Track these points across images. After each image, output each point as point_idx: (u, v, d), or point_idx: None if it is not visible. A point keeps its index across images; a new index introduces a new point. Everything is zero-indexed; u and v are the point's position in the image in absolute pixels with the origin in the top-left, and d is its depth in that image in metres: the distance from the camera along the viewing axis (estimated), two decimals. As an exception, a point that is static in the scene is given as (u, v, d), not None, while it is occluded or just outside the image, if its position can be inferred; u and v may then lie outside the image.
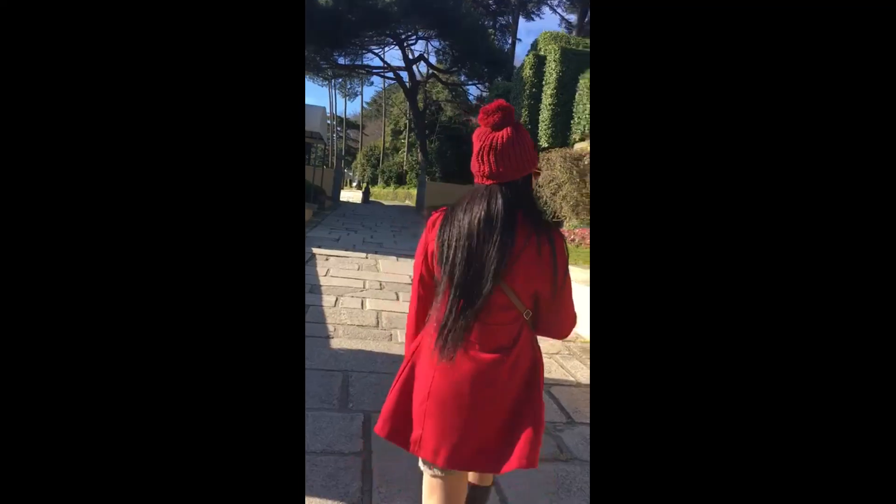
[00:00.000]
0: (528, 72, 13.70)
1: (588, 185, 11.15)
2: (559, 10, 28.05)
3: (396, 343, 4.03)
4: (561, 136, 12.45)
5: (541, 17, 40.67)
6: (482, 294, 1.17)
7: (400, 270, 7.01)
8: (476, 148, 1.23)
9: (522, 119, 13.70)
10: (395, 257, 8.13)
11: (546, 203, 11.93)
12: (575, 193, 11.04)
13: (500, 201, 1.18)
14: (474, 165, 1.23)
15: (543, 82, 13.08)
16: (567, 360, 4.01)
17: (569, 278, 1.25)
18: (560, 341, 4.16)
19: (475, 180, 1.25)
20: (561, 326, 1.32)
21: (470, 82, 28.20)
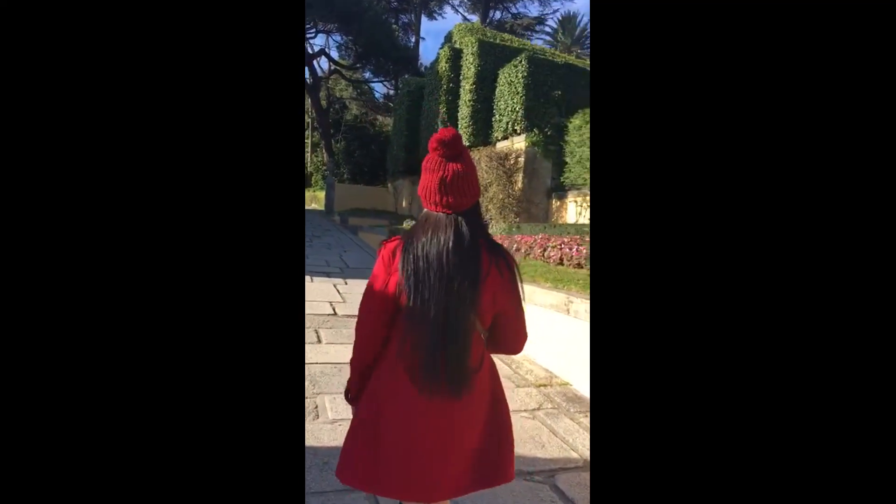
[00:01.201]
0: (443, 65, 12.84)
1: (515, 185, 10.51)
2: (461, 10, 27.80)
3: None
4: (483, 134, 11.71)
5: (443, 17, 40.46)
6: (464, 325, 1.18)
7: (318, 297, 5.69)
8: (432, 177, 1.21)
9: (441, 116, 12.81)
10: (308, 277, 6.77)
11: (470, 206, 11.16)
12: (501, 195, 10.37)
13: (465, 230, 1.20)
14: (430, 195, 1.22)
15: (461, 77, 12.28)
16: (555, 419, 3.08)
17: (521, 299, 1.26)
18: (537, 391, 3.54)
19: (428, 207, 1.24)
20: (517, 341, 1.33)
21: (376, 79, 27.10)
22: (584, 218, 9.26)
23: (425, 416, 1.20)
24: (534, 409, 3.17)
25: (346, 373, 1.42)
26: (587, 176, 9.30)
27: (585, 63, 11.79)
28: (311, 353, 3.88)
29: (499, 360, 3.87)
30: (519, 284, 1.25)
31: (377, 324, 1.25)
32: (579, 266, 5.00)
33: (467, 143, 11.91)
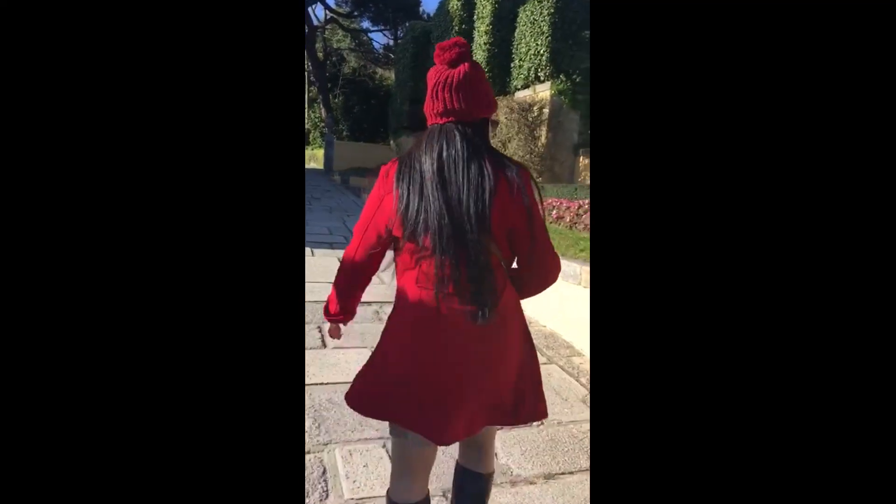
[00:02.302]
0: (454, 4, 11.38)
1: (539, 139, 9.33)
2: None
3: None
4: (500, 82, 10.40)
5: (445, -39, 37.84)
6: (473, 243, 1.03)
7: (320, 276, 4.55)
8: (430, 85, 1.12)
9: (452, 62, 11.46)
10: (308, 250, 5.73)
11: (486, 164, 10.02)
12: (521, 152, 9.21)
13: (458, 138, 1.08)
14: (428, 105, 1.13)
15: (475, 17, 10.86)
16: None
17: (541, 218, 1.13)
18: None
19: (428, 122, 1.14)
20: (543, 268, 1.18)
21: (375, 28, 25.29)
22: (620, 177, 8.13)
23: (447, 345, 1.10)
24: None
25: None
26: (622, 129, 8.10)
27: None
28: (313, 365, 2.85)
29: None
30: (537, 201, 1.10)
31: (363, 244, 1.16)
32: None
33: (482, 94, 10.64)
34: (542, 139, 9.26)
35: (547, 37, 9.15)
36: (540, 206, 1.11)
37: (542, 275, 1.18)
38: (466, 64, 1.10)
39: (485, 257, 1.05)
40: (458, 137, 1.07)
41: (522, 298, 1.21)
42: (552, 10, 9.07)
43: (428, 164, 1.06)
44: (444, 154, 1.06)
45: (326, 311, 1.27)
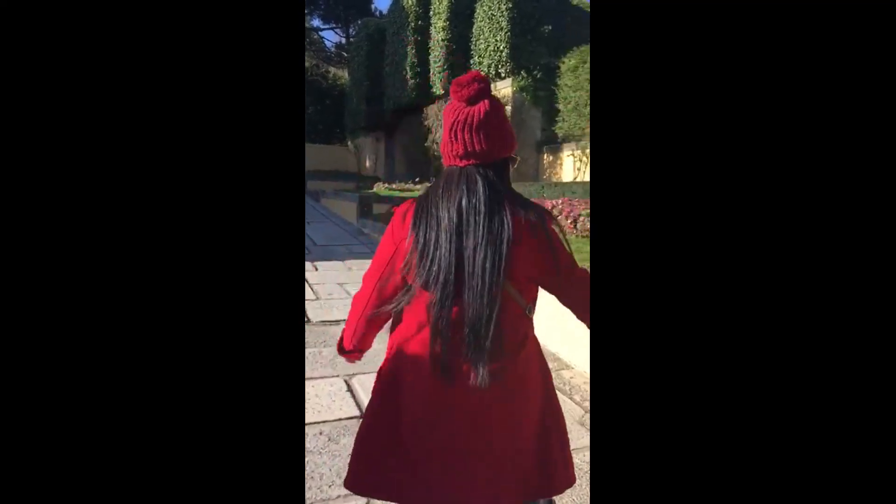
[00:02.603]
0: (409, 0, 11.06)
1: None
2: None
3: None
4: (459, 80, 10.17)
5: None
6: (486, 297, 0.96)
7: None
8: (447, 124, 1.03)
9: (410, 60, 11.14)
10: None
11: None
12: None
13: (480, 184, 1.00)
14: (446, 145, 1.04)
15: (431, 13, 10.59)
16: None
17: (567, 254, 1.07)
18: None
19: (445, 162, 1.06)
20: (584, 309, 1.07)
21: (326, 27, 24.69)
22: (584, 175, 8.06)
23: (454, 409, 1.01)
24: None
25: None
26: (585, 126, 8.07)
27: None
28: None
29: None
30: (563, 243, 1.05)
31: (380, 295, 1.07)
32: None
33: (440, 92, 10.38)
34: (506, 137, 9.11)
35: (506, 32, 8.98)
36: (565, 244, 1.06)
37: (580, 303, 1.09)
38: (486, 101, 1.01)
39: (491, 311, 0.97)
40: (479, 183, 1.00)
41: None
42: (510, 5, 8.90)
43: (446, 212, 0.99)
44: (465, 203, 0.99)
45: (340, 347, 1.20)
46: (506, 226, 0.97)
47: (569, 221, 4.04)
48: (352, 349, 1.17)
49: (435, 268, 0.98)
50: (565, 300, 1.10)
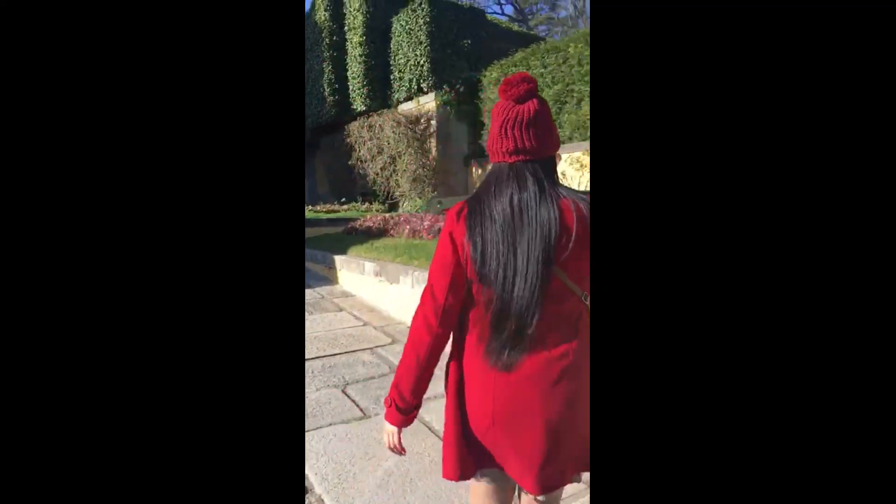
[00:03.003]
0: (322, 15, 10.70)
1: (429, 153, 8.98)
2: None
3: None
4: (381, 96, 9.92)
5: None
6: (534, 284, 1.01)
7: None
8: (497, 122, 1.06)
9: (327, 76, 10.74)
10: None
11: (375, 182, 9.48)
12: (413, 166, 8.81)
13: (531, 180, 1.04)
14: (495, 142, 1.06)
15: (346, 28, 10.29)
16: None
17: None
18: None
19: (494, 159, 1.09)
20: None
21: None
22: (515, 185, 8.07)
23: (515, 393, 1.06)
24: None
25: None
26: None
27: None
28: None
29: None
30: None
31: (444, 292, 1.07)
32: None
33: (363, 108, 10.09)
34: (433, 152, 8.94)
35: (425, 46, 8.87)
36: None
37: None
38: (535, 100, 1.06)
39: (537, 301, 1.02)
40: (529, 179, 1.05)
41: None
42: (427, 20, 8.82)
43: (499, 208, 1.04)
44: (517, 198, 1.04)
45: (398, 409, 1.14)
46: (554, 219, 1.01)
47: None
48: (413, 398, 1.13)
49: (493, 263, 1.02)
50: None
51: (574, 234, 1.01)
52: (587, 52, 6.81)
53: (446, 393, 1.14)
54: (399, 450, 1.17)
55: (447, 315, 1.07)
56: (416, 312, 1.10)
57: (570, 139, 7.19)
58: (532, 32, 13.99)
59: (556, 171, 1.09)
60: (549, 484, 1.08)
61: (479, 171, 8.87)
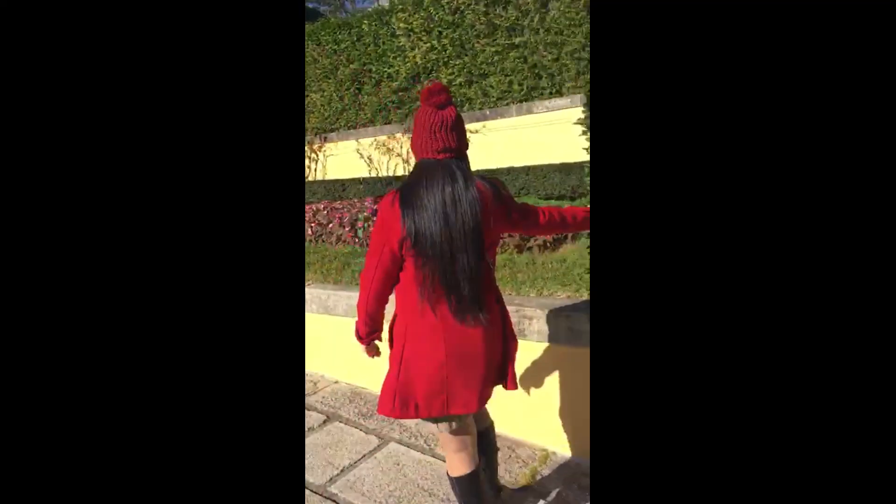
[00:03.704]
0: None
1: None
2: None
3: None
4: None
5: None
6: (476, 261, 1.30)
7: None
8: (425, 125, 1.31)
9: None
10: None
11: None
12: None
13: (458, 173, 1.30)
14: (425, 143, 1.32)
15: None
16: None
17: (518, 203, 1.49)
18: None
19: (423, 156, 1.34)
20: (550, 222, 1.55)
21: None
22: (322, 172, 7.51)
23: (469, 336, 1.35)
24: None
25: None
26: (307, 118, 7.49)
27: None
28: None
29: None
30: (511, 196, 1.45)
31: (382, 269, 1.35)
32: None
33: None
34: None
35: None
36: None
37: (551, 219, 1.55)
38: (452, 107, 1.34)
39: (480, 269, 1.33)
40: (457, 173, 1.30)
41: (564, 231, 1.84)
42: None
43: (433, 197, 1.27)
44: (449, 189, 1.28)
45: (359, 336, 1.50)
46: (477, 201, 1.28)
47: (346, 230, 3.45)
48: (370, 331, 1.47)
49: (429, 244, 1.27)
50: (538, 229, 1.56)
51: (492, 212, 1.32)
52: (382, 31, 6.54)
53: (391, 345, 1.44)
54: (372, 354, 1.55)
55: (384, 276, 1.36)
56: (363, 272, 1.38)
57: (373, 122, 6.90)
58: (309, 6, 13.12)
59: (469, 165, 1.37)
60: (485, 400, 1.42)
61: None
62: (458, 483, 1.46)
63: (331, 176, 6.98)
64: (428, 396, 1.35)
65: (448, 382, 1.34)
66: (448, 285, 1.29)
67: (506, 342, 1.46)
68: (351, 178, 5.99)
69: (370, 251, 1.36)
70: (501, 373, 1.46)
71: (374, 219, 1.37)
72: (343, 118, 7.23)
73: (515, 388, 1.48)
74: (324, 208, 3.78)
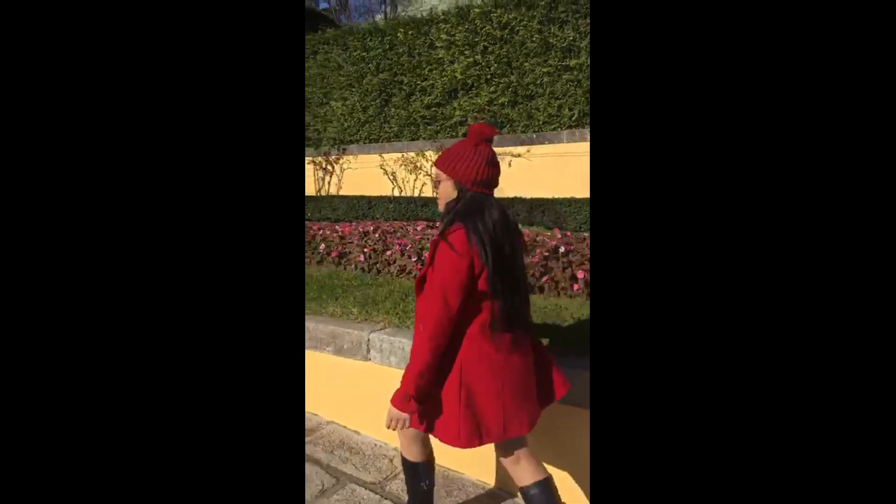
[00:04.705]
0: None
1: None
2: None
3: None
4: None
5: None
6: (525, 293, 1.41)
7: None
8: (484, 159, 1.33)
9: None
10: None
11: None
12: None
13: (500, 208, 1.34)
14: (480, 175, 1.33)
15: None
16: None
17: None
18: None
19: (476, 189, 1.34)
20: None
21: None
22: (337, 187, 6.93)
23: (520, 366, 1.37)
24: None
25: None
26: (322, 127, 6.94)
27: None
28: None
29: None
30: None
31: (457, 303, 1.28)
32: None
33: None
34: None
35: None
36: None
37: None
38: (491, 150, 1.38)
39: (528, 301, 1.46)
40: (501, 208, 1.34)
41: None
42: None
43: (490, 231, 1.28)
44: (500, 227, 1.31)
45: (410, 398, 1.32)
46: (522, 238, 1.44)
47: (412, 260, 2.85)
48: (427, 391, 1.32)
49: (500, 277, 1.29)
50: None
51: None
52: (419, 41, 6.09)
53: (451, 377, 1.35)
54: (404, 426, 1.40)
55: (455, 320, 1.29)
56: (428, 318, 1.28)
57: (398, 137, 6.40)
58: (325, 14, 12.70)
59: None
60: (535, 421, 1.44)
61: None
62: (539, 487, 1.46)
63: (347, 191, 6.42)
64: (496, 422, 1.35)
65: (508, 407, 1.35)
66: (511, 316, 1.32)
67: (543, 357, 1.52)
68: (377, 195, 5.44)
69: (433, 300, 1.26)
70: (547, 390, 1.50)
71: (433, 256, 1.28)
72: (365, 130, 6.71)
73: (568, 386, 1.53)
74: (374, 230, 3.22)
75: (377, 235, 3.19)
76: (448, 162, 1.33)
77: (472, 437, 1.33)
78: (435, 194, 1.69)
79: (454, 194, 1.34)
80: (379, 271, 2.90)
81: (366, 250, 2.98)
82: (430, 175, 5.98)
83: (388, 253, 2.93)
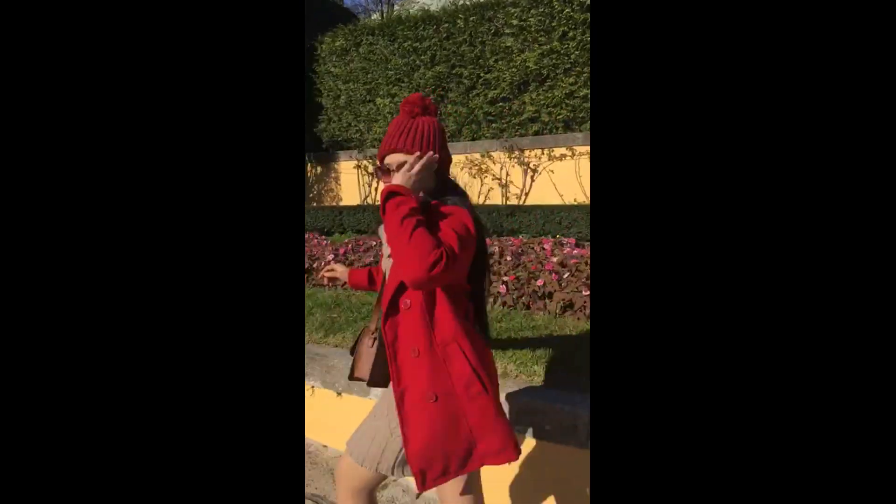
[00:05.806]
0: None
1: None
2: None
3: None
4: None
5: None
6: (489, 279, 1.38)
7: None
8: (440, 135, 1.20)
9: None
10: None
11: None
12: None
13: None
14: (448, 156, 1.24)
15: None
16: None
17: None
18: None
19: (447, 173, 1.25)
20: None
21: None
22: (375, 193, 6.24)
23: (492, 363, 1.27)
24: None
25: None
26: (364, 127, 6.26)
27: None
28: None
29: None
30: None
31: (464, 267, 1.14)
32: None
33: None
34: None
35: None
36: None
37: None
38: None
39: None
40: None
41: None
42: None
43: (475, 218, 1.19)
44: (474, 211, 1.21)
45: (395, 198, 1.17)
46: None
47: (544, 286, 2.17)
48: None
49: (480, 262, 1.21)
50: None
51: None
52: (482, 28, 5.41)
53: (478, 378, 1.14)
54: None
55: (455, 273, 1.09)
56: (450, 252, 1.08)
57: (456, 137, 5.71)
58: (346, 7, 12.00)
59: None
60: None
61: (319, 169, 6.75)
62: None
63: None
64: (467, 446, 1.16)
65: (496, 421, 1.17)
66: (482, 306, 1.26)
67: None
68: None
69: (456, 244, 1.06)
70: None
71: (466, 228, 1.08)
72: (415, 130, 6.01)
73: None
74: (360, 247, 2.53)
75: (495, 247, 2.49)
76: (403, 139, 1.14)
77: (516, 442, 1.18)
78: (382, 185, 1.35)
79: (426, 183, 1.15)
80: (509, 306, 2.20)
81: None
82: (498, 179, 5.30)
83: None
